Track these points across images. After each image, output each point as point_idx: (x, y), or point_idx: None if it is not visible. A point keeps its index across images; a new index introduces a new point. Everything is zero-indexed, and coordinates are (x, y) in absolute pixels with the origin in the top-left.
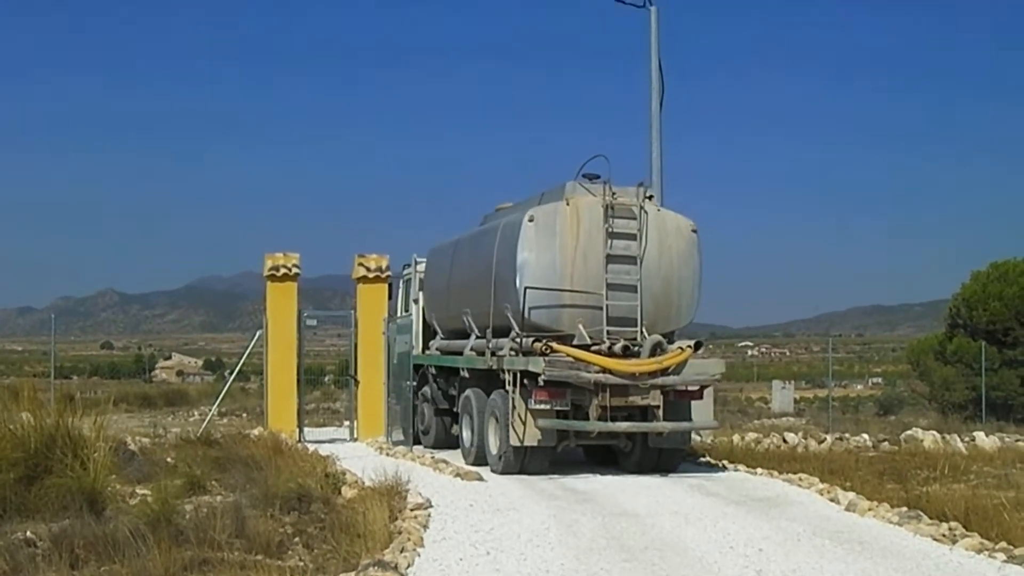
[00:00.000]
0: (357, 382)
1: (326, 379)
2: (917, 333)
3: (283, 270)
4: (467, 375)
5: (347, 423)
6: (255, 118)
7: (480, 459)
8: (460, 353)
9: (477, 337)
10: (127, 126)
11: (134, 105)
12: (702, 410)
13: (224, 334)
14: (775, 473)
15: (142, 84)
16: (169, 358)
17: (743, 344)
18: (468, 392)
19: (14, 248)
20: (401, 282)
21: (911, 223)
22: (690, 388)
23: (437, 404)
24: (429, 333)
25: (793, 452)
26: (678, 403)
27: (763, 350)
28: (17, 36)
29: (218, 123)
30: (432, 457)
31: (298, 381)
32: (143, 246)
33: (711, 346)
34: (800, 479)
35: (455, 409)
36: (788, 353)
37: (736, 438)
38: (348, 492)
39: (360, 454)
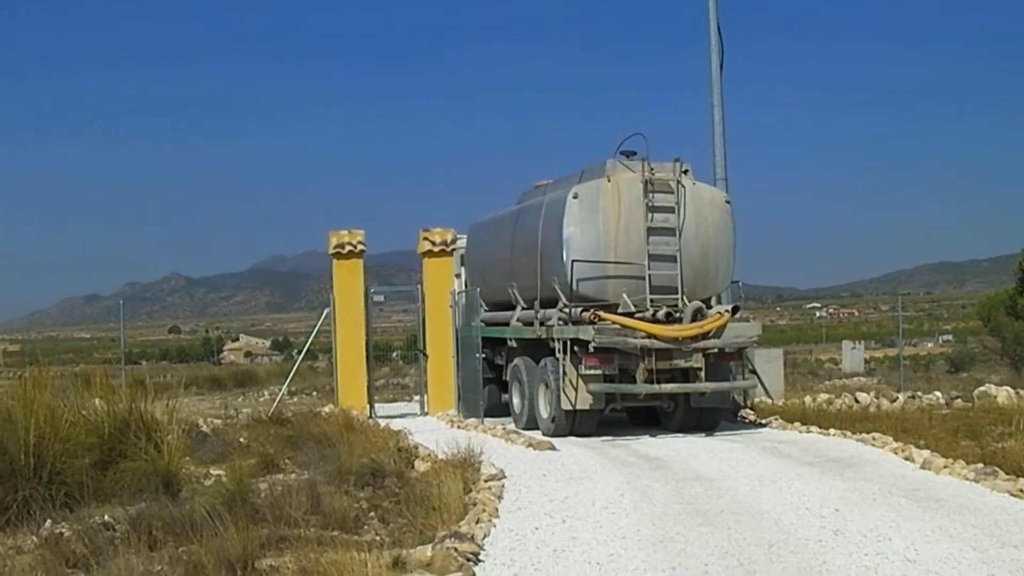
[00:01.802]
0: (426, 356)
1: (394, 355)
2: (985, 288)
3: (348, 247)
4: (515, 345)
5: (417, 398)
6: (315, 99)
7: (531, 423)
8: (506, 324)
9: (523, 308)
10: (188, 111)
11: (195, 89)
12: (773, 373)
13: (290, 314)
14: (848, 433)
15: (201, 68)
16: (237, 340)
17: (811, 305)
18: (517, 361)
19: (80, 236)
20: None
21: (976, 178)
22: (729, 350)
23: (484, 373)
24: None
25: (865, 412)
26: (718, 364)
27: (831, 311)
28: (69, 22)
29: (279, 105)
30: (504, 428)
31: (367, 357)
32: (207, 230)
33: (778, 309)
34: (874, 438)
35: (504, 378)
36: (856, 313)
37: (807, 399)
38: (421, 466)
39: (431, 428)
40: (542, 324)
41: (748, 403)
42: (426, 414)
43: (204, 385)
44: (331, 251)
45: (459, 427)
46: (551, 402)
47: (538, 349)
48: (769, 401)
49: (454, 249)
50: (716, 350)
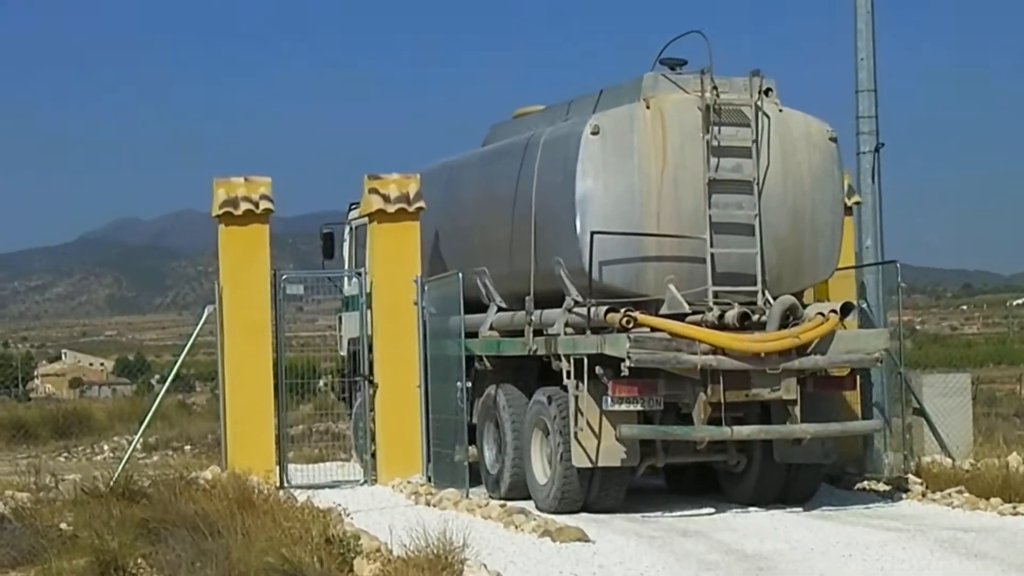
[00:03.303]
0: (374, 385)
1: (321, 383)
2: None
3: (245, 205)
4: (488, 366)
5: (358, 455)
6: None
7: (516, 491)
8: (472, 334)
9: (501, 309)
10: None
11: None
12: (955, 415)
13: (148, 315)
14: None
15: None
16: (58, 359)
17: (1019, 302)
18: (492, 391)
19: None
20: (348, 230)
21: None
22: (836, 374)
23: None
24: None
25: None
26: (819, 396)
27: None
28: None
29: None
30: (503, 506)
31: (276, 388)
32: (6, 180)
33: (964, 307)
34: None
35: (470, 419)
36: None
37: (1013, 459)
38: (365, 568)
39: (383, 504)
40: (538, 333)
41: (912, 463)
42: (374, 482)
43: (1, 435)
44: (216, 211)
45: (429, 503)
46: (554, 457)
47: (527, 373)
48: (948, 462)
49: (420, 208)
50: (818, 373)
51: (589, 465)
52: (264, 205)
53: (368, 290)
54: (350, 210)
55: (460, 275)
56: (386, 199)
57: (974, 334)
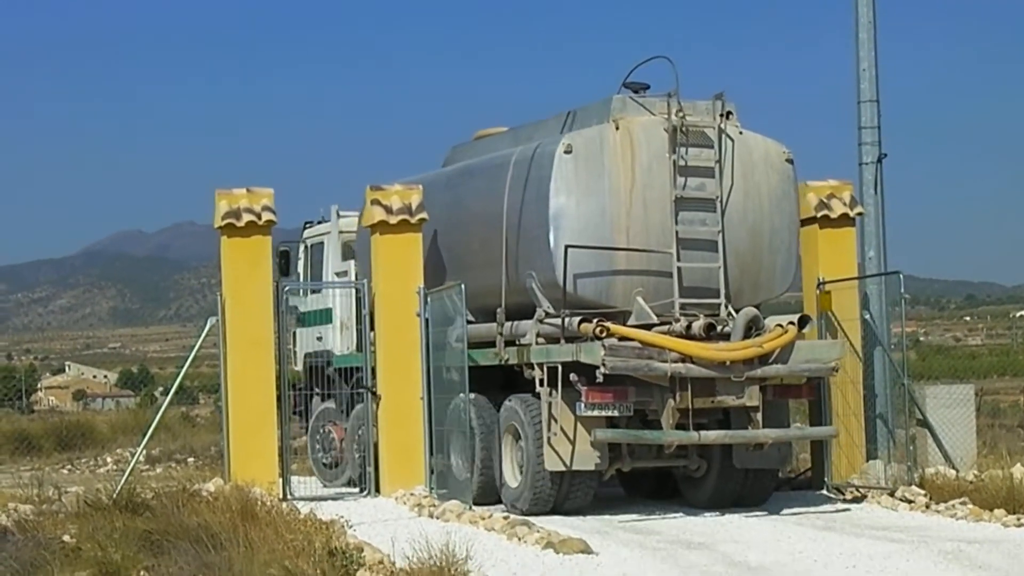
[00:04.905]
0: (377, 396)
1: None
2: None
3: (248, 216)
4: (456, 377)
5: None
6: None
7: (484, 495)
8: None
9: (469, 322)
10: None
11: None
12: (959, 426)
13: (151, 327)
14: None
15: None
16: (61, 371)
17: (1023, 313)
18: (459, 400)
19: None
20: (303, 247)
21: None
22: (795, 382)
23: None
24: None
25: None
26: (777, 403)
27: None
28: None
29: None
30: (506, 518)
31: (279, 400)
32: (11, 193)
33: (967, 319)
34: None
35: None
36: None
37: (1017, 471)
38: None
39: (386, 516)
40: (509, 344)
41: (916, 475)
42: (377, 493)
43: (5, 446)
44: (219, 223)
45: (432, 515)
46: (526, 462)
47: (493, 382)
48: (952, 474)
49: (422, 219)
50: (779, 381)
51: (563, 469)
52: (266, 216)
53: (369, 302)
54: (304, 228)
55: (462, 285)
56: (388, 210)
57: (978, 345)
